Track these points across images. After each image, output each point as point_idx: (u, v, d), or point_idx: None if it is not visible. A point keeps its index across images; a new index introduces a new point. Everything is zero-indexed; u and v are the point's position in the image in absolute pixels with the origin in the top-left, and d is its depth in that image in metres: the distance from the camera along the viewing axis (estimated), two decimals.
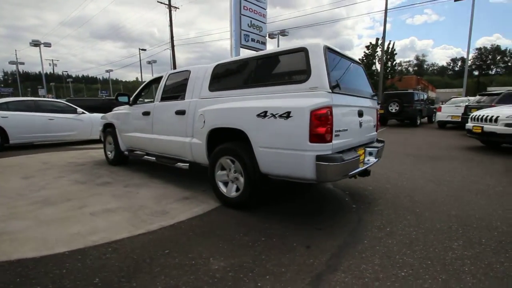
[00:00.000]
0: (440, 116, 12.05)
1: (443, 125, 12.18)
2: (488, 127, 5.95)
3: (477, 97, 10.06)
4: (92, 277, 1.73)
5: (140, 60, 37.78)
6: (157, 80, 4.10)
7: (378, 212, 2.79)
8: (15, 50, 40.30)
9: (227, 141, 2.90)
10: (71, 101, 10.90)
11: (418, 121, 13.35)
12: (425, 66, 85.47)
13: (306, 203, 3.10)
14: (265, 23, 10.25)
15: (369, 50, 25.37)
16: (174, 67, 25.31)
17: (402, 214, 2.74)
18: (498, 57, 67.30)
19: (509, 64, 67.82)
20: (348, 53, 3.02)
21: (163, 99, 3.79)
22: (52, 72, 52.42)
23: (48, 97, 28.82)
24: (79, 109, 7.81)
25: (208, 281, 1.69)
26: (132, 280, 1.70)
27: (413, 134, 10.32)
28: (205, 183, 3.72)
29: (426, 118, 15.37)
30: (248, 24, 9.38)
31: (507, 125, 5.59)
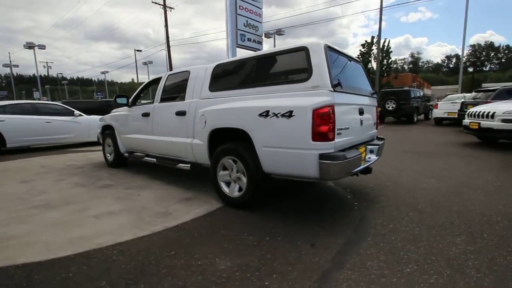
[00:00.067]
0: (436, 113, 12.15)
1: (439, 121, 12.27)
2: (485, 123, 6.02)
3: (473, 94, 10.16)
4: (98, 280, 1.73)
5: (135, 61, 37.62)
6: (156, 81, 4.09)
7: (380, 209, 2.81)
8: (9, 53, 39.81)
9: (229, 141, 2.90)
10: (67, 103, 10.81)
11: (415, 118, 13.44)
12: (420, 64, 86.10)
13: (308, 201, 3.11)
14: (261, 22, 10.24)
15: (365, 48, 25.48)
16: (170, 68, 25.21)
17: (404, 210, 2.76)
18: (492, 54, 68.00)
19: (503, 60, 68.53)
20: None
21: (162, 100, 3.78)
22: (46, 74, 51.92)
23: (43, 100, 28.60)
24: (76, 112, 7.75)
25: (216, 281, 1.69)
26: (139, 282, 1.70)
27: (410, 131, 10.39)
28: (206, 184, 3.72)
29: (422, 115, 15.48)
30: (244, 24, 9.36)
31: (504, 120, 5.65)
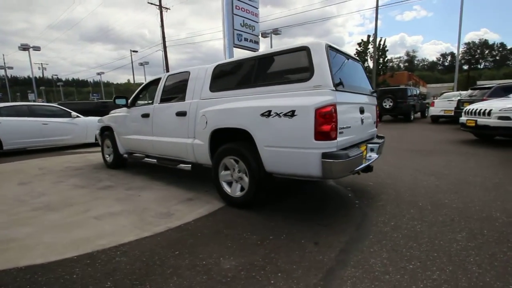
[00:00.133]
0: (433, 110, 12.23)
1: (436, 119, 12.37)
2: (482, 120, 6.08)
3: (469, 91, 10.25)
4: (103, 281, 1.73)
5: (132, 62, 37.42)
6: (155, 82, 4.08)
7: (381, 207, 2.83)
8: (3, 55, 39.46)
9: (230, 141, 2.90)
10: (63, 105, 10.74)
11: (412, 116, 13.53)
12: (415, 62, 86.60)
13: (309, 200, 3.13)
14: (257, 22, 10.25)
15: (361, 47, 25.62)
16: (167, 69, 25.11)
17: (405, 208, 2.79)
18: (486, 52, 68.60)
19: (497, 58, 69.19)
20: None
21: (162, 100, 3.77)
22: (41, 76, 51.40)
23: (39, 102, 28.35)
24: (74, 113, 7.71)
25: (221, 280, 1.70)
26: (145, 282, 1.70)
27: (407, 129, 10.46)
28: (207, 184, 3.72)
29: (419, 113, 15.59)
30: (240, 24, 9.37)
31: (500, 118, 5.71)
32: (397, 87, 14.32)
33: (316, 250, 2.03)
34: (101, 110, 11.23)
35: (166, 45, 24.62)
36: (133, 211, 2.87)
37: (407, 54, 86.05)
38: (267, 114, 2.42)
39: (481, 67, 69.09)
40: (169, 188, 3.64)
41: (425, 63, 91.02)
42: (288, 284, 1.65)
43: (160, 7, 23.91)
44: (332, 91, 2.23)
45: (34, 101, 29.80)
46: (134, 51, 37.81)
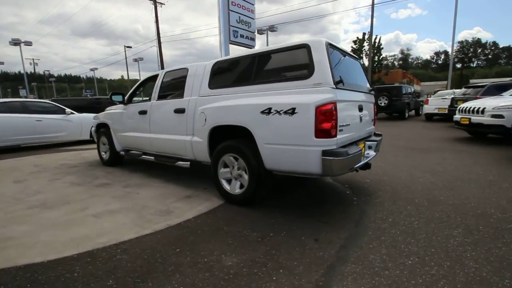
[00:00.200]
0: (427, 108, 12.36)
1: (430, 117, 12.50)
2: (476, 118, 6.17)
3: (463, 90, 10.38)
4: (105, 279, 1.72)
5: (126, 58, 36.95)
6: (152, 79, 4.05)
7: (379, 204, 2.87)
8: None
9: (229, 138, 2.90)
10: (56, 101, 10.59)
11: (406, 114, 13.66)
12: (409, 60, 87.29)
13: (308, 197, 3.15)
14: (253, 18, 10.22)
15: (356, 45, 25.69)
16: (162, 65, 24.88)
17: (402, 205, 2.83)
18: (479, 50, 69.48)
19: (489, 57, 70.15)
20: None
21: (160, 97, 3.74)
22: (33, 71, 50.50)
23: (30, 98, 27.86)
24: (68, 110, 7.60)
25: (224, 277, 1.71)
26: (147, 280, 1.70)
27: (402, 126, 10.56)
28: (205, 181, 3.72)
29: (413, 111, 15.74)
30: (236, 20, 9.32)
31: (493, 116, 5.80)
32: (392, 85, 14.43)
33: (316, 247, 2.05)
34: (95, 106, 11.11)
35: (161, 41, 24.36)
36: (132, 208, 2.86)
37: (402, 52, 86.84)
38: (267, 111, 2.42)
39: (474, 65, 70.01)
40: (167, 186, 3.63)
41: (419, 61, 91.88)
42: (290, 281, 1.67)
43: (155, 2, 23.63)
44: (333, 89, 2.24)
45: (26, 97, 29.27)
46: (128, 46, 37.31)
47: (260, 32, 25.56)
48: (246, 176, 2.71)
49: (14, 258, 1.97)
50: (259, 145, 2.53)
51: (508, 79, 16.71)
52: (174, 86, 3.67)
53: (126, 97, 4.35)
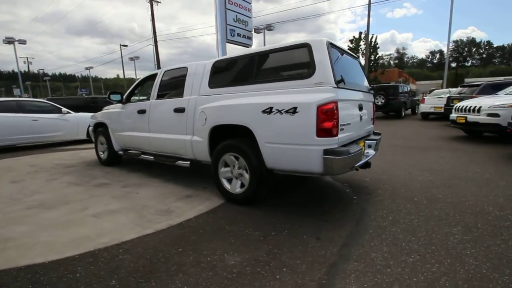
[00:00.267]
0: (423, 107, 12.47)
1: (426, 116, 12.61)
2: (472, 117, 6.23)
3: (459, 89, 10.47)
4: (108, 279, 1.72)
5: (121, 57, 36.67)
6: (151, 78, 4.03)
7: (378, 202, 2.89)
8: None
9: (229, 138, 2.90)
10: (52, 100, 10.47)
11: (403, 113, 13.76)
12: (405, 59, 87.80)
13: (308, 195, 3.16)
14: (250, 17, 10.17)
15: (353, 44, 25.77)
16: (158, 63, 24.74)
17: (401, 203, 2.85)
18: (474, 49, 70.16)
19: (484, 56, 70.88)
20: None
21: (159, 96, 3.72)
22: (27, 70, 49.85)
23: (25, 97, 27.54)
24: (64, 109, 7.53)
25: (227, 276, 1.71)
26: (150, 279, 1.70)
27: (399, 125, 10.64)
28: (205, 180, 3.72)
29: (409, 109, 15.86)
30: (233, 19, 9.27)
31: (489, 115, 5.87)
32: (388, 84, 14.51)
33: (318, 245, 2.06)
34: (91, 106, 11.02)
35: (157, 39, 24.21)
36: (132, 208, 2.85)
37: (397, 51, 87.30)
38: (269, 110, 2.42)
39: (469, 64, 70.70)
40: (166, 185, 3.62)
41: (414, 60, 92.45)
42: (294, 279, 1.68)
43: (151, 0, 23.45)
44: (334, 88, 2.25)
45: (20, 96, 28.93)
46: (124, 45, 37.03)
47: (257, 31, 25.51)
48: (247, 175, 2.71)
49: (15, 259, 1.95)
50: (260, 144, 2.53)
51: (502, 78, 16.89)
52: (174, 85, 3.65)
53: (124, 96, 4.32)
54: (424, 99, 12.88)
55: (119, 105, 4.43)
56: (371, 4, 17.47)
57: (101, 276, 1.75)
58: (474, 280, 1.64)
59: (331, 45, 2.48)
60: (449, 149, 5.65)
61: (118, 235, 2.27)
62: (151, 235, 2.27)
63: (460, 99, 8.26)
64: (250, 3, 10.04)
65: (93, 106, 10.87)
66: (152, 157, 3.81)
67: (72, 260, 1.94)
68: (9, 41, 25.67)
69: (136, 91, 4.45)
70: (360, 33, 25.19)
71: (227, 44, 9.21)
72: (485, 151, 5.34)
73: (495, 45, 72.21)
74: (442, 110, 10.48)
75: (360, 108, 2.84)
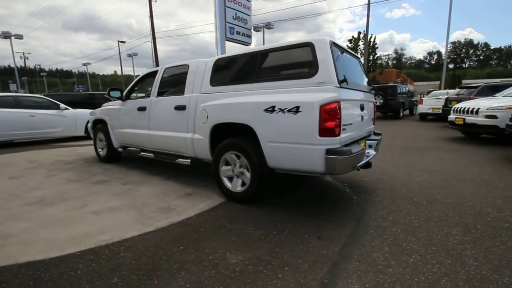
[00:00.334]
0: (421, 108, 12.53)
1: (424, 117, 12.67)
2: (470, 118, 6.27)
3: (457, 90, 10.53)
4: (110, 277, 1.71)
5: (119, 53, 36.42)
6: (151, 75, 4.00)
7: (378, 202, 2.90)
8: None
9: (230, 136, 2.90)
10: (49, 96, 10.38)
11: (401, 114, 13.81)
12: (403, 60, 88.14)
13: (308, 195, 3.17)
14: (250, 15, 10.14)
15: (352, 44, 25.77)
16: (156, 60, 24.58)
17: (401, 203, 2.87)
18: (471, 51, 70.56)
19: (481, 58, 71.32)
20: None
21: (160, 94, 3.71)
22: (23, 65, 49.35)
23: (21, 92, 27.27)
24: (62, 105, 7.47)
25: (230, 275, 1.71)
26: (152, 277, 1.70)
27: (397, 126, 10.68)
28: (205, 179, 3.71)
29: (407, 110, 15.93)
30: (233, 17, 9.25)
31: (487, 116, 5.91)
32: (387, 85, 14.56)
33: (320, 245, 2.07)
34: (88, 102, 10.93)
35: (155, 36, 24.05)
36: (133, 206, 2.84)
37: (396, 51, 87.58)
38: (271, 109, 2.42)
39: (466, 66, 71.11)
40: (167, 183, 3.61)
41: (412, 61, 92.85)
42: (296, 278, 1.68)
43: None
44: (337, 88, 2.25)
45: (16, 91, 28.66)
46: (122, 41, 36.77)
47: (256, 29, 25.45)
48: (248, 174, 2.71)
49: (16, 255, 1.94)
50: (262, 143, 2.53)
51: (499, 80, 17.03)
52: (175, 82, 3.64)
53: (124, 93, 4.30)
54: (422, 100, 12.94)
55: (119, 101, 4.40)
56: (370, 4, 17.48)
57: (102, 273, 1.75)
58: (474, 281, 1.66)
59: (333, 45, 2.48)
60: (447, 150, 5.69)
61: (119, 232, 2.26)
62: (152, 233, 2.26)
63: (458, 101, 8.32)
64: (249, 1, 10.01)
65: (91, 102, 10.80)
66: (152, 155, 3.79)
67: (73, 257, 1.93)
68: (6, 35, 25.38)
69: (136, 88, 4.43)
70: (359, 33, 25.20)
71: (226, 42, 9.19)
72: (483, 152, 5.38)
73: (492, 47, 72.76)
74: (440, 111, 10.54)
75: (362, 108, 2.84)
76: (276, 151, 2.47)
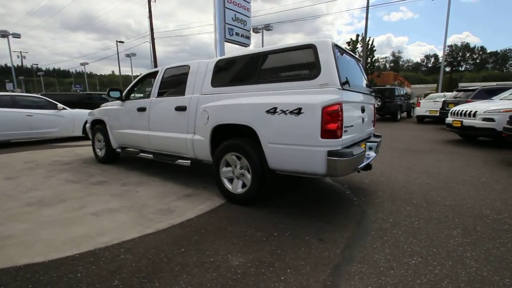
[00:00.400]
0: (418, 111, 12.60)
1: (421, 119, 12.74)
2: (467, 121, 6.32)
3: (454, 93, 10.61)
4: (110, 279, 1.70)
5: (118, 53, 36.28)
6: (151, 75, 3.99)
7: (378, 204, 2.91)
8: None
9: (231, 137, 2.89)
10: (46, 96, 10.31)
11: (399, 116, 13.88)
12: (400, 62, 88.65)
13: (309, 196, 3.17)
14: (249, 17, 10.16)
15: (350, 46, 25.89)
16: (155, 61, 24.53)
17: (401, 205, 2.87)
18: (468, 54, 71.18)
19: (477, 61, 71.96)
20: None
21: (160, 94, 3.69)
22: (20, 65, 48.96)
23: (17, 92, 27.03)
24: (60, 105, 7.42)
25: (232, 277, 1.70)
26: (153, 280, 1.68)
27: (395, 128, 10.73)
28: (205, 180, 3.70)
29: (405, 112, 16.01)
30: (232, 18, 9.25)
31: (485, 119, 5.95)
32: (385, 87, 14.63)
33: (321, 247, 2.06)
34: (86, 102, 10.87)
35: (154, 37, 24.01)
36: (132, 207, 2.82)
37: (393, 54, 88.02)
38: (273, 111, 2.42)
39: (462, 69, 71.68)
40: (166, 184, 3.59)
41: (409, 64, 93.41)
42: (298, 280, 1.68)
43: None
44: (339, 90, 2.25)
45: (13, 91, 28.42)
46: (120, 41, 36.62)
47: (256, 31, 25.47)
48: (249, 176, 2.70)
49: (14, 258, 1.91)
50: (263, 144, 2.52)
51: (495, 83, 17.18)
52: (175, 83, 3.63)
53: (124, 94, 4.27)
54: (419, 102, 13.02)
55: (118, 102, 4.38)
56: (369, 7, 17.57)
57: (103, 276, 1.73)
58: (476, 283, 1.66)
59: (335, 47, 2.49)
60: (445, 152, 5.72)
61: (119, 234, 2.24)
62: (152, 235, 2.25)
63: (456, 103, 8.38)
64: (249, 3, 10.03)
65: (88, 102, 10.74)
66: (152, 156, 3.77)
67: (72, 259, 1.91)
68: (3, 34, 25.15)
69: (136, 89, 4.41)
70: (358, 35, 25.32)
71: (225, 43, 9.20)
72: (480, 155, 5.41)
73: (488, 51, 73.45)
74: (438, 114, 10.61)
75: (362, 110, 2.85)
76: (278, 152, 2.46)
